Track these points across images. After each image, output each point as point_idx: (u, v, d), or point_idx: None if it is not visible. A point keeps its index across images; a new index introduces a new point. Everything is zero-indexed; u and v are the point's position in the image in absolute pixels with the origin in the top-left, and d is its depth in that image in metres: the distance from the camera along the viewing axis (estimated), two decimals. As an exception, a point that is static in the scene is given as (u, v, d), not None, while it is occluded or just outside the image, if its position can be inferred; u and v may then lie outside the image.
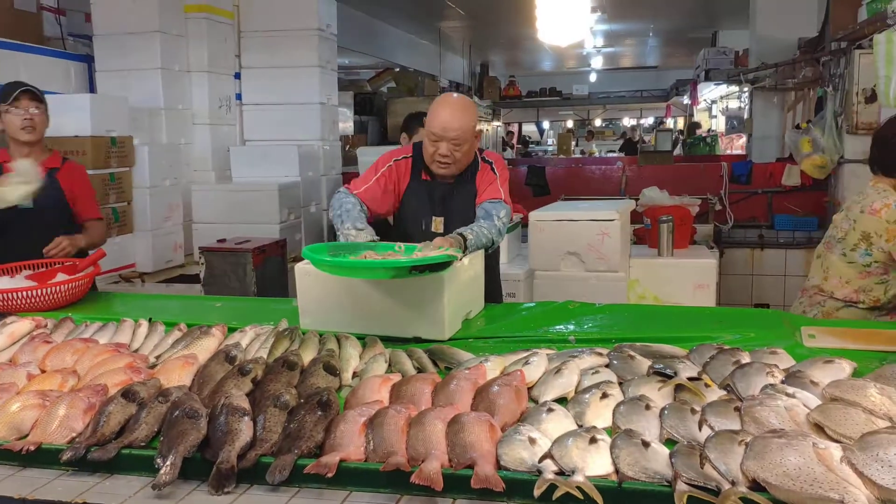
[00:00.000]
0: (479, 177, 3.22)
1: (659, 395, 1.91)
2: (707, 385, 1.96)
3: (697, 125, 17.46)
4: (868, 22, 5.14)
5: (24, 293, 3.00)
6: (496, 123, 21.49)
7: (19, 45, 5.09)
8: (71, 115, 4.68)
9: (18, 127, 3.56)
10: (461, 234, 2.80)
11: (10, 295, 2.98)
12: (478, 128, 3.15)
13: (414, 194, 3.23)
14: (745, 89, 9.69)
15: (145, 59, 5.56)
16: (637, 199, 5.78)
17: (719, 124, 16.61)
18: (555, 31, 8.76)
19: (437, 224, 3.18)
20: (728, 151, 13.44)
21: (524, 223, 4.96)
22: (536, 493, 1.50)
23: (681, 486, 1.47)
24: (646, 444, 1.60)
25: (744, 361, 2.08)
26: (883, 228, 3.20)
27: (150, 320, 2.73)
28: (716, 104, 16.89)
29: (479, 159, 3.25)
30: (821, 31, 7.31)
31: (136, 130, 5.26)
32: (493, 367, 2.15)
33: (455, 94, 3.30)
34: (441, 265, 2.51)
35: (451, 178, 3.21)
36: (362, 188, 3.16)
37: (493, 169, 3.22)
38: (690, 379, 1.97)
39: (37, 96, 3.61)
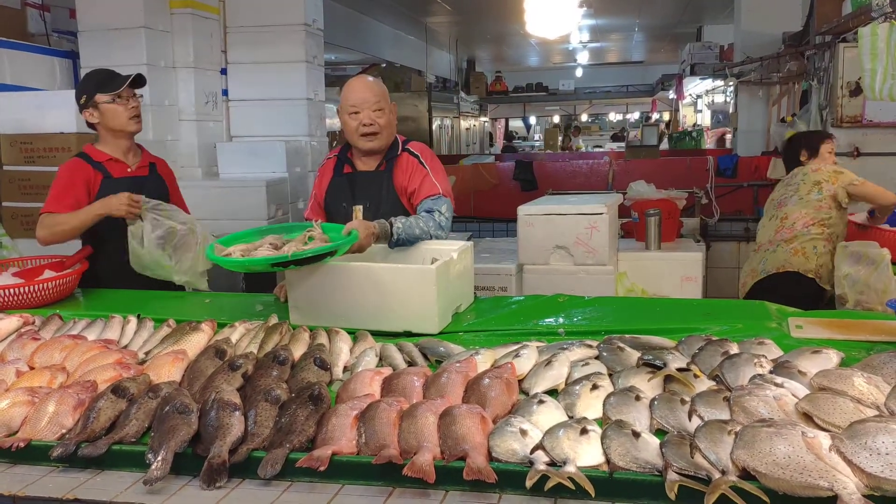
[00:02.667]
0: (401, 168, 3.20)
1: (649, 386, 1.92)
2: (696, 376, 1.97)
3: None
4: (853, 15, 5.18)
5: (11, 290, 2.98)
6: (483, 119, 21.52)
7: (3, 41, 5.05)
8: (56, 112, 4.65)
9: (126, 118, 3.36)
10: (390, 222, 2.91)
11: (-4, 292, 2.96)
12: (392, 103, 3.21)
13: (335, 186, 3.26)
14: (731, 84, 9.73)
15: (131, 55, 5.50)
16: (625, 193, 5.80)
17: (705, 119, 16.65)
18: (543, 23, 8.77)
19: (357, 212, 3.17)
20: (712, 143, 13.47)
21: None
22: (528, 484, 1.51)
23: (671, 476, 1.48)
24: (636, 435, 1.61)
25: (732, 352, 2.09)
26: (828, 176, 4.37)
27: (138, 316, 2.72)
28: (701, 99, 16.93)
29: (400, 146, 3.25)
30: (805, 25, 7.35)
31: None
32: (483, 359, 2.16)
33: (364, 74, 3.39)
34: (315, 258, 2.54)
35: (372, 162, 3.22)
36: (309, 209, 3.39)
37: (421, 162, 3.21)
38: (680, 370, 1.98)
39: (140, 81, 3.42)
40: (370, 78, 3.28)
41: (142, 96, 3.50)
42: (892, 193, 4.26)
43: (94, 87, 3.37)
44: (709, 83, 13.00)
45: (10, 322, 2.63)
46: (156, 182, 3.54)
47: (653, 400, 1.81)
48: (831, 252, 4.25)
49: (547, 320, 2.67)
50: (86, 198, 3.32)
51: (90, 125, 3.47)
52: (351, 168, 3.27)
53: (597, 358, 2.17)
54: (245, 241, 2.72)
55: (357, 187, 3.22)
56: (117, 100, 3.33)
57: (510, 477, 1.56)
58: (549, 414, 1.77)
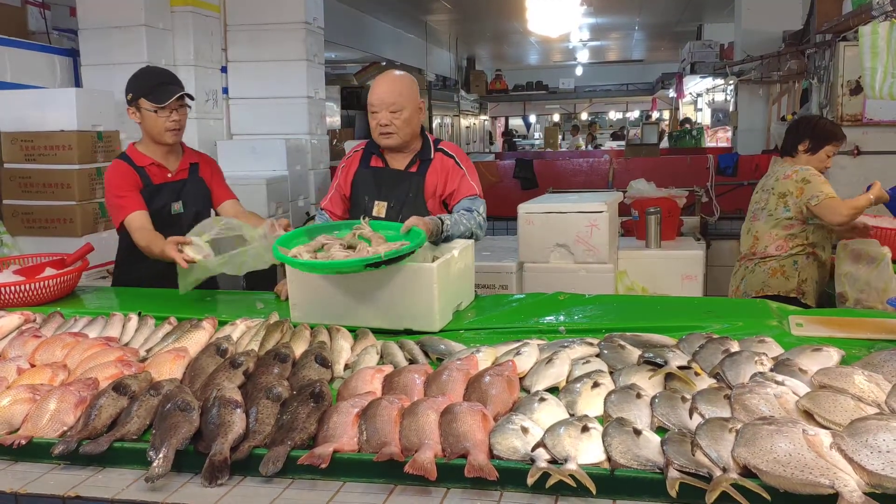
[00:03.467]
0: (436, 169, 3.19)
1: (649, 384, 1.92)
2: (697, 373, 1.98)
3: (688, 120, 17.52)
4: (853, 14, 5.17)
5: (13, 288, 2.98)
6: (483, 117, 21.52)
7: (4, 39, 5.05)
8: (57, 110, 4.64)
9: (164, 129, 3.31)
10: (440, 219, 2.89)
11: (-3, 290, 2.96)
12: (420, 100, 3.20)
13: (361, 179, 3.25)
14: (731, 82, 9.73)
15: (131, 53, 5.51)
16: (625, 192, 5.79)
17: (705, 117, 16.66)
18: (545, 21, 8.78)
19: (380, 208, 3.18)
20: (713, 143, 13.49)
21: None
22: (530, 481, 1.51)
23: (673, 473, 1.48)
24: (637, 433, 1.61)
25: (733, 350, 2.09)
26: (795, 187, 4.04)
27: (139, 314, 2.72)
28: (701, 97, 16.94)
29: (433, 148, 3.24)
30: (806, 24, 7.35)
31: (123, 125, 5.20)
32: (484, 357, 2.16)
33: (394, 70, 3.35)
34: (400, 258, 2.53)
35: (402, 161, 3.21)
36: (328, 199, 3.36)
37: (458, 163, 3.21)
38: (680, 368, 1.98)
39: (185, 99, 3.34)
40: (396, 75, 3.23)
41: (189, 107, 3.44)
42: (845, 213, 3.88)
43: (140, 91, 3.32)
44: (709, 82, 13.01)
45: (11, 319, 2.63)
46: (196, 185, 3.52)
47: (654, 398, 1.81)
48: (818, 261, 4.10)
49: (547, 318, 2.67)
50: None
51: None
52: (382, 162, 3.24)
53: (598, 356, 2.17)
54: (299, 243, 2.71)
55: (384, 184, 3.21)
56: (160, 111, 3.28)
57: (511, 474, 1.56)
58: (551, 412, 1.77)
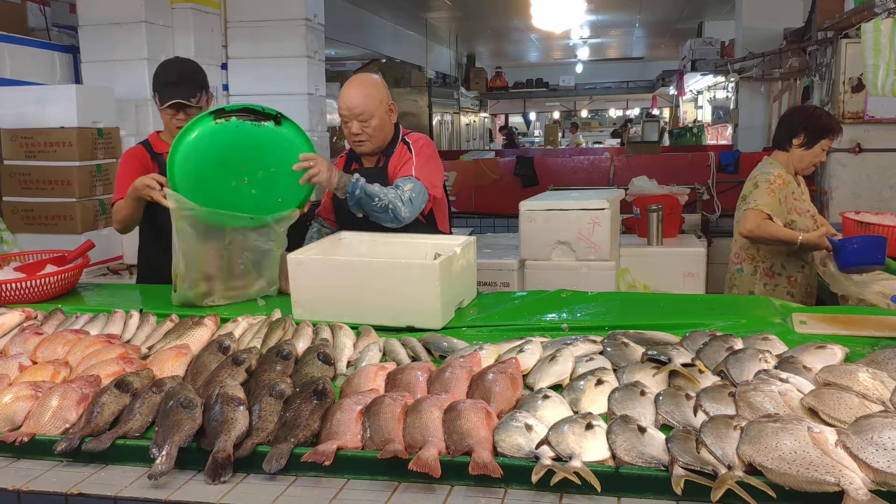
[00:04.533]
0: (394, 159, 3.23)
1: (653, 382, 1.92)
2: (701, 371, 1.97)
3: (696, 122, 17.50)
4: (855, 11, 5.17)
5: (13, 285, 2.97)
6: (483, 114, 21.50)
7: (4, 35, 5.03)
8: (57, 107, 4.63)
9: (173, 126, 3.31)
10: (357, 176, 2.93)
11: (-2, 287, 2.95)
12: (389, 101, 3.20)
13: None
14: (732, 80, 9.73)
15: (131, 49, 5.50)
16: (626, 189, 5.79)
17: (705, 115, 16.65)
18: (549, 17, 8.78)
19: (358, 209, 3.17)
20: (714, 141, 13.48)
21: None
22: (534, 478, 1.51)
23: (678, 471, 1.47)
24: (642, 430, 1.61)
25: (737, 347, 2.09)
26: (749, 189, 3.85)
27: (140, 311, 2.71)
28: (702, 95, 16.93)
29: (398, 141, 3.27)
30: (807, 21, 7.34)
31: (123, 122, 5.21)
32: (487, 355, 2.15)
33: (361, 74, 3.35)
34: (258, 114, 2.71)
35: (372, 160, 3.25)
36: (322, 206, 3.45)
37: (410, 150, 3.22)
38: (684, 365, 1.97)
39: (186, 105, 3.29)
40: (361, 81, 3.22)
41: (200, 107, 3.38)
42: (752, 227, 3.70)
43: (155, 85, 3.39)
44: (709, 79, 13.00)
45: (12, 317, 2.62)
46: None
47: (658, 395, 1.81)
48: (769, 276, 3.86)
49: (550, 316, 2.67)
50: None
51: None
52: (358, 164, 3.31)
53: (601, 353, 2.17)
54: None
55: None
56: (166, 109, 3.31)
57: (516, 471, 1.56)
58: (554, 409, 1.77)
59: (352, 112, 3.13)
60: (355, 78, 3.26)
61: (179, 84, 3.33)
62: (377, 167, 3.25)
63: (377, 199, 2.94)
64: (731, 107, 10.72)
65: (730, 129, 11.23)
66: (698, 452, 1.52)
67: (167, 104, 3.28)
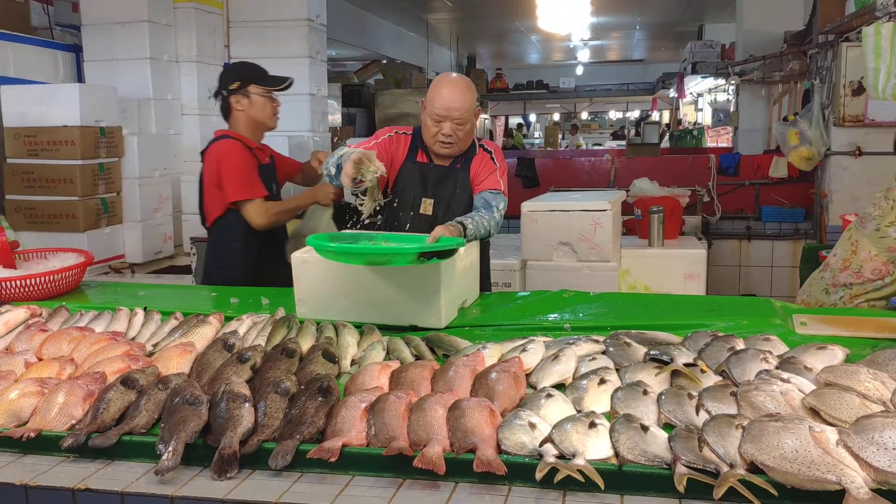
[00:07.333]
0: (476, 163, 3.23)
1: (656, 381, 1.93)
2: (703, 371, 1.99)
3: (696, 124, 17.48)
4: (856, 14, 5.18)
5: (19, 282, 2.98)
6: (483, 116, 21.48)
7: (7, 34, 5.04)
8: (59, 105, 4.64)
9: (271, 114, 3.56)
10: (461, 223, 2.79)
11: (4, 284, 2.96)
12: (476, 107, 3.18)
13: (408, 173, 3.25)
14: (732, 82, 9.74)
15: (134, 49, 5.51)
16: (628, 191, 5.81)
17: (705, 117, 16.66)
18: (555, 19, 8.79)
19: (427, 206, 3.20)
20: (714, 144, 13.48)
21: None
22: (538, 476, 1.52)
23: (680, 469, 1.49)
24: (644, 429, 1.62)
25: (738, 348, 2.11)
26: None
27: (145, 309, 2.72)
28: (702, 97, 16.94)
29: (477, 146, 3.27)
30: (808, 24, 7.36)
31: (125, 121, 5.22)
32: (490, 354, 2.17)
33: (455, 74, 3.32)
34: (448, 252, 2.52)
35: (447, 160, 3.23)
36: (355, 144, 3.29)
37: (493, 159, 3.23)
38: (686, 365, 1.99)
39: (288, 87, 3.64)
40: (465, 83, 3.14)
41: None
42: None
43: (250, 77, 3.53)
44: (710, 82, 13.00)
45: (17, 314, 2.63)
46: (274, 169, 3.77)
47: (660, 394, 1.82)
48: None
49: (552, 316, 2.68)
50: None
51: (225, 112, 3.63)
52: (426, 157, 3.25)
53: (603, 353, 2.18)
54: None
55: (430, 181, 3.23)
56: (273, 94, 3.49)
57: (519, 469, 1.57)
58: (558, 408, 1.78)
59: (450, 114, 3.06)
60: (454, 79, 3.16)
61: (273, 75, 3.54)
62: (451, 167, 3.23)
63: (485, 236, 2.97)
64: (732, 109, 10.73)
65: (730, 132, 11.25)
66: (701, 451, 1.53)
67: (284, 84, 3.51)
